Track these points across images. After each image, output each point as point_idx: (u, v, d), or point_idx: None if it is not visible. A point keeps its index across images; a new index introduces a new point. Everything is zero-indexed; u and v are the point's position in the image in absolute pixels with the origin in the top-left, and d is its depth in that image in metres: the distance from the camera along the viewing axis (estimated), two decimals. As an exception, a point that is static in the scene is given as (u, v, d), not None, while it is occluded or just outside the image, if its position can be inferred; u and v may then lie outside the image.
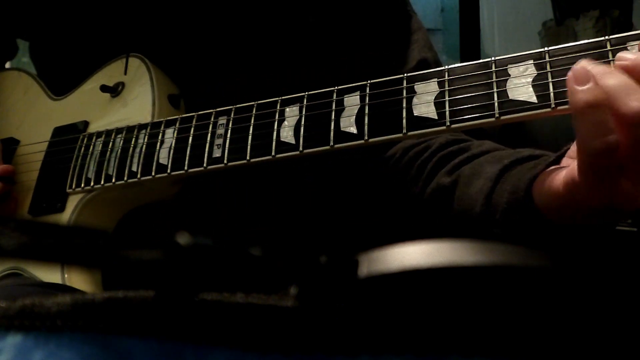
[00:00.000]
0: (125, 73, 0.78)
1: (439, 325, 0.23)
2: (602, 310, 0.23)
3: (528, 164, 0.59)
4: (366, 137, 0.59)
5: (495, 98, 0.54)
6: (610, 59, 0.50)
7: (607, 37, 0.51)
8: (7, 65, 1.00)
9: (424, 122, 0.57)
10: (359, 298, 0.23)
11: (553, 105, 0.51)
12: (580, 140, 0.48)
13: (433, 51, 0.83)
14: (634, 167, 0.46)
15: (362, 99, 0.60)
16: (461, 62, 0.58)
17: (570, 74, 0.48)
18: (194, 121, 0.70)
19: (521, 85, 0.53)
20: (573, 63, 0.51)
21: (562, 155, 0.57)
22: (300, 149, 0.62)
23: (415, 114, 0.57)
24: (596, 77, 0.47)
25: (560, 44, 0.53)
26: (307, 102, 0.63)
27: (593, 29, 1.69)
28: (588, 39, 0.53)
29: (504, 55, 0.56)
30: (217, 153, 0.66)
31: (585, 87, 0.47)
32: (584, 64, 0.48)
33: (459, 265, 0.22)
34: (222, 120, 0.68)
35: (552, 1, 1.90)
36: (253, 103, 0.67)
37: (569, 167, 0.51)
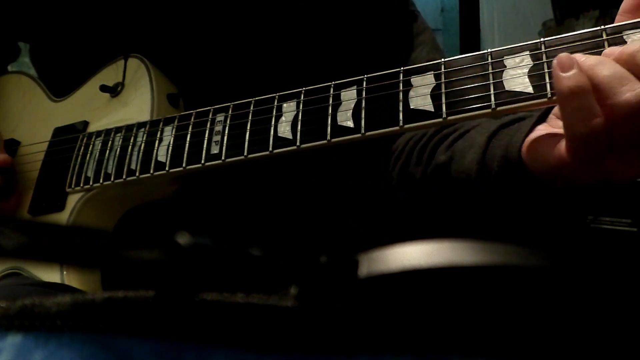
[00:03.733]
0: (124, 77, 0.78)
1: (439, 325, 0.23)
2: (602, 310, 0.23)
3: (513, 127, 0.59)
4: (363, 131, 0.59)
5: (492, 89, 0.54)
6: (606, 48, 0.50)
7: (603, 27, 0.51)
8: (9, 68, 1.00)
9: (421, 114, 0.57)
10: (359, 298, 0.23)
11: (549, 95, 0.51)
12: (565, 125, 0.49)
13: (440, 52, 0.83)
14: (623, 149, 0.48)
15: (359, 93, 0.60)
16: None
17: (555, 61, 0.49)
18: (192, 119, 0.70)
19: (517, 76, 0.53)
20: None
21: (548, 113, 0.57)
22: (298, 143, 0.62)
23: (411, 107, 0.57)
24: (584, 66, 0.48)
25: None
26: (304, 97, 0.63)
27: (593, 29, 1.69)
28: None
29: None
30: (215, 149, 0.66)
31: (569, 74, 0.47)
32: (569, 55, 0.49)
33: (458, 265, 0.22)
34: (220, 117, 0.68)
35: (552, 1, 1.90)
36: (250, 99, 0.67)
37: (560, 143, 0.51)
